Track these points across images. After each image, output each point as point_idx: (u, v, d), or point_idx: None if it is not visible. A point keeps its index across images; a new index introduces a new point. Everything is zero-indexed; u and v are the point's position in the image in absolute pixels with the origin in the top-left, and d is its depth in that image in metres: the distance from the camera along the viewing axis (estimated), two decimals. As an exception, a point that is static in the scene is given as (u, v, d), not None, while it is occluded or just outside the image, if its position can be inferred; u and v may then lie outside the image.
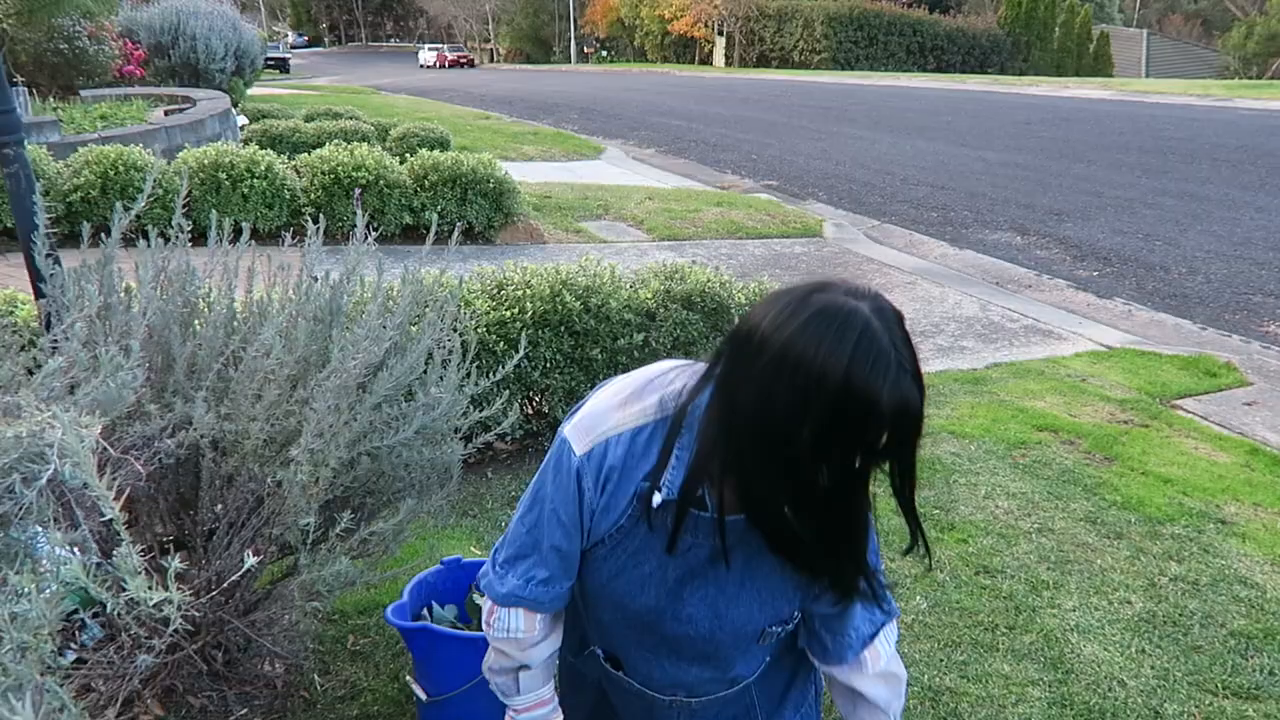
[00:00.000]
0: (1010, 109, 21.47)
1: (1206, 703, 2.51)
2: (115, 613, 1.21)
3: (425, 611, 2.29)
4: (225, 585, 2.04)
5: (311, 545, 1.90)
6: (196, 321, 2.28)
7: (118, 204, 2.22)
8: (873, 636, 1.39)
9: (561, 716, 1.49)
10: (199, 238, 2.33)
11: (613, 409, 1.28)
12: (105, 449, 1.89)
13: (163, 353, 2.15)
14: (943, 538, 3.31)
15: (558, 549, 1.32)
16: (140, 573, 1.21)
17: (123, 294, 2.27)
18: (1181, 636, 2.78)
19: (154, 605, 1.18)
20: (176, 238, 2.30)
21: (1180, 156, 13.58)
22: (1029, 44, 46.51)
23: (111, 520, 1.33)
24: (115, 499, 1.23)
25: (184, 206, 2.26)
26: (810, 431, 1.05)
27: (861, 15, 43.81)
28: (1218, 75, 45.08)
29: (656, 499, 1.23)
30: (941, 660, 2.63)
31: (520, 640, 1.40)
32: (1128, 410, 4.73)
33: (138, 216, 2.18)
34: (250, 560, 1.21)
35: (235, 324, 2.25)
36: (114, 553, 1.13)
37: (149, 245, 2.25)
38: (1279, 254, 8.21)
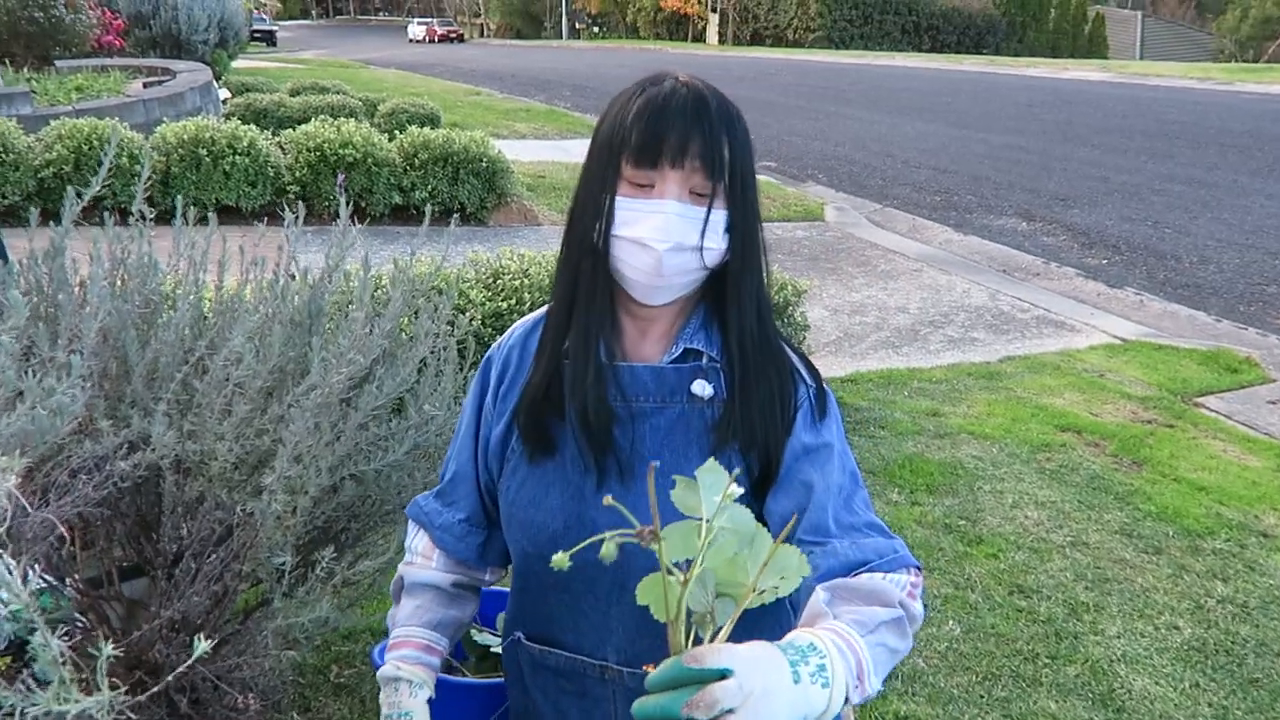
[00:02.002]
0: (1010, 90, 21.20)
1: (1270, 745, 2.31)
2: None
3: (416, 648, 2.06)
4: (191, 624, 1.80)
5: (289, 588, 1.66)
6: (160, 319, 2.03)
7: (69, 189, 1.97)
8: (863, 564, 1.05)
9: (427, 677, 1.25)
10: (174, 217, 2.08)
11: None
12: (45, 490, 1.64)
13: (118, 359, 1.89)
14: (971, 552, 3.09)
15: (457, 458, 1.30)
16: (64, 665, 0.97)
17: (77, 289, 2.02)
18: (1236, 667, 2.57)
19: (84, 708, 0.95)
20: (139, 224, 2.05)
21: (1186, 141, 13.36)
22: (1024, 24, 46.21)
23: (62, 541, 1.09)
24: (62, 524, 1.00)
25: (164, 184, 2.03)
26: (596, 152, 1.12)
27: (857, -7, 43.36)
28: (1212, 58, 44.92)
29: None
30: (982, 696, 2.41)
31: (412, 561, 1.34)
32: (1150, 409, 4.53)
33: (114, 194, 1.95)
34: (202, 645, 0.98)
35: (203, 325, 1.99)
36: (34, 654, 0.89)
37: (105, 230, 1.99)
38: (1293, 243, 8.02)
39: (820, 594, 1.00)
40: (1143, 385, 4.86)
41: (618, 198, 1.09)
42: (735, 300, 1.15)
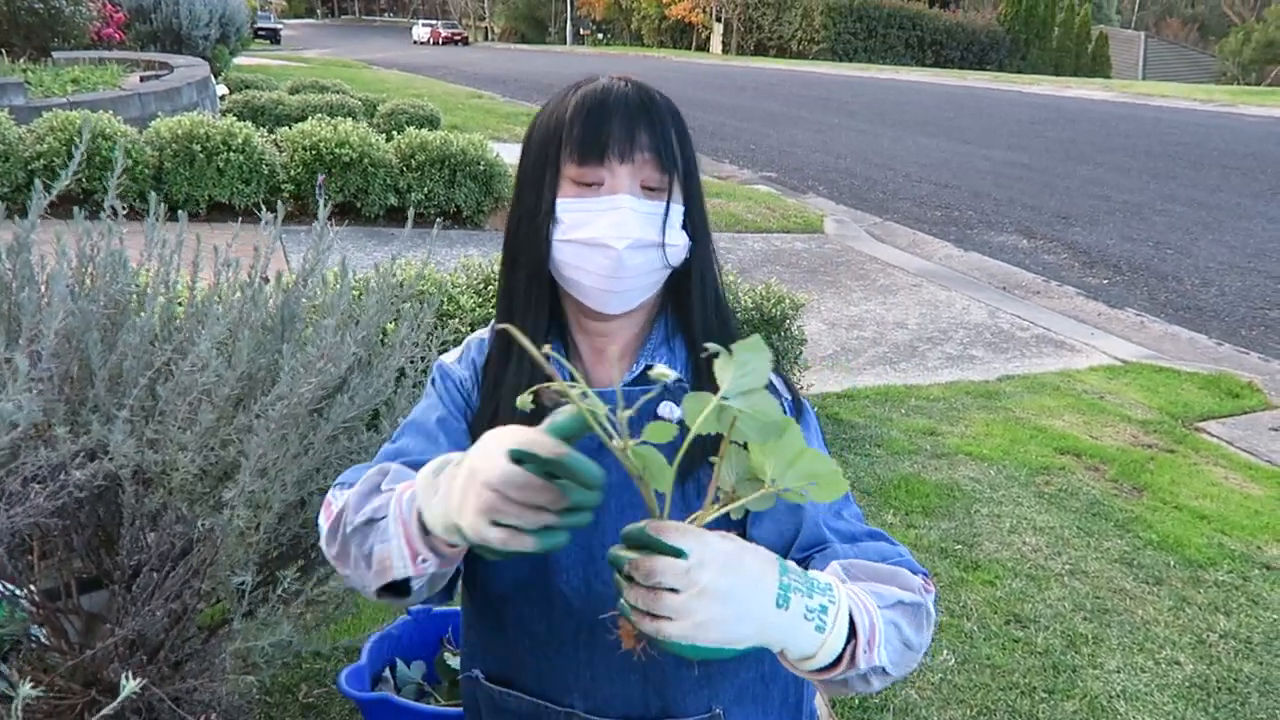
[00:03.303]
0: (1013, 107, 21.18)
1: (1274, 791, 2.22)
2: None
3: (388, 672, 1.96)
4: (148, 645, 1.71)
5: (250, 608, 1.57)
6: (127, 320, 1.94)
7: (37, 183, 1.88)
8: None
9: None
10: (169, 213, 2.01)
11: None
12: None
13: (80, 361, 1.80)
14: (967, 578, 3.00)
15: (400, 449, 1.14)
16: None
17: (43, 287, 1.93)
18: (1239, 706, 2.48)
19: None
20: (110, 219, 1.96)
21: (1188, 162, 13.31)
22: (1028, 42, 46.28)
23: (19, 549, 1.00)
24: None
25: (156, 179, 1.95)
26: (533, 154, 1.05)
27: (861, 6, 43.37)
28: (1214, 80, 45.05)
29: None
30: (976, 733, 2.32)
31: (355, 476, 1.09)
32: (1150, 433, 4.45)
33: (104, 188, 1.87)
34: (130, 684, 0.89)
35: (171, 329, 1.91)
36: None
37: (74, 224, 1.90)
38: (1295, 267, 7.96)
39: (835, 567, 0.94)
40: (1143, 408, 4.78)
41: (561, 199, 1.02)
42: (699, 298, 1.08)
